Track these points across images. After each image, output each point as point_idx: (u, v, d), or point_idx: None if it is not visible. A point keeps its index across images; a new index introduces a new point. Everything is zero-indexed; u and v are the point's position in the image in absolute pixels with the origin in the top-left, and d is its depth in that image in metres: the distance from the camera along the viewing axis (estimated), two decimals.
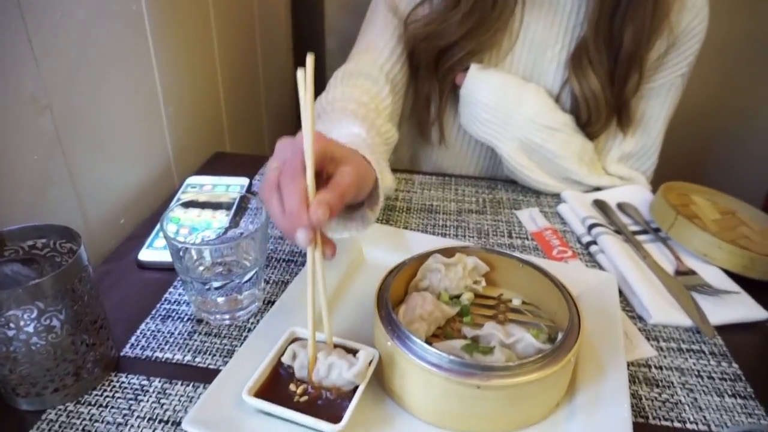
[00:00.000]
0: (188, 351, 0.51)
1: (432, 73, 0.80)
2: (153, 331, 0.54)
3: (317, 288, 0.44)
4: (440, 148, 0.89)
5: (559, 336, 0.45)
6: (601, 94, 0.76)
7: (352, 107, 0.68)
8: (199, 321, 0.55)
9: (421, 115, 0.86)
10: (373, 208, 0.52)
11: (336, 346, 0.46)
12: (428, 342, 0.43)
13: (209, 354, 0.51)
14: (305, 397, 0.43)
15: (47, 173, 0.58)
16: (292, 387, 0.44)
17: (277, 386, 0.44)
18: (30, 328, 0.41)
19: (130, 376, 0.48)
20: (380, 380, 0.46)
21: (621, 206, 0.76)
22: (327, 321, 0.45)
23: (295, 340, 0.47)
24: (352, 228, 0.53)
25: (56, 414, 0.45)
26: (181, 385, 0.48)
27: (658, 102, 0.81)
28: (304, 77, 0.40)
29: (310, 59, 0.40)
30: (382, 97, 0.75)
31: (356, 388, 0.43)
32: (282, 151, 0.46)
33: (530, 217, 0.75)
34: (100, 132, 0.66)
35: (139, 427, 0.44)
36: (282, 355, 0.45)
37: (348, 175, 0.45)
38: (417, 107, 0.86)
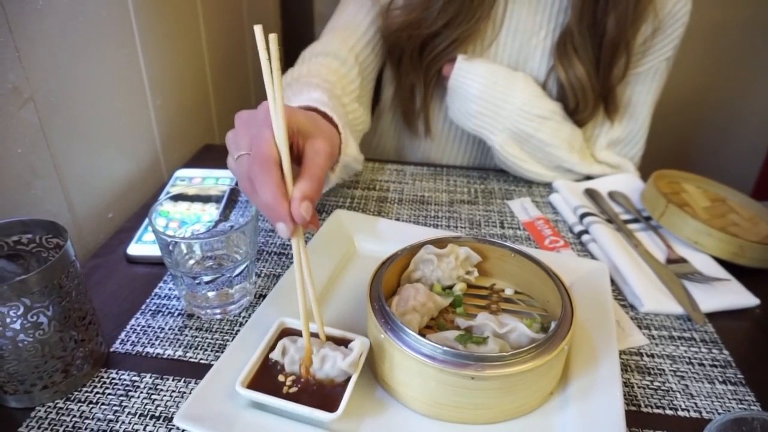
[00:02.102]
0: (179, 346, 0.51)
1: (417, 63, 0.79)
2: (143, 326, 0.53)
3: (305, 280, 0.43)
4: (426, 139, 0.88)
5: (552, 325, 0.45)
6: (587, 81, 0.76)
7: (316, 81, 0.66)
8: (190, 316, 0.54)
9: (405, 105, 0.85)
10: (333, 168, 0.51)
11: (327, 337, 0.46)
12: (421, 333, 0.43)
13: (200, 349, 0.51)
14: (294, 388, 0.42)
15: (32, 166, 0.57)
16: (281, 378, 0.43)
17: (266, 378, 0.43)
18: (16, 325, 0.40)
19: (120, 372, 0.48)
20: (373, 372, 0.46)
21: (612, 195, 0.76)
22: (317, 313, 0.45)
23: (284, 330, 0.47)
24: None
25: (45, 411, 0.44)
26: (173, 380, 0.47)
27: (644, 87, 0.80)
28: (267, 56, 0.38)
29: (261, 33, 0.38)
30: (350, 78, 0.74)
31: (349, 378, 0.42)
32: (246, 131, 0.44)
33: (522, 207, 0.75)
34: (85, 124, 0.65)
35: (130, 423, 0.43)
36: (272, 347, 0.45)
37: (322, 151, 0.43)
38: (401, 98, 0.85)
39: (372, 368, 0.46)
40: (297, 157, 0.44)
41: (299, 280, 0.43)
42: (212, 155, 0.88)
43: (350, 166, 0.66)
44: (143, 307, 0.55)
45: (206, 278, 0.52)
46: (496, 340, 0.45)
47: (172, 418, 0.44)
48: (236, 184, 0.72)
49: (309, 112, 0.49)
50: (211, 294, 0.53)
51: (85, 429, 0.43)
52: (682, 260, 0.64)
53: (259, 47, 0.38)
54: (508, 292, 0.54)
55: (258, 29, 0.38)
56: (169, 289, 0.57)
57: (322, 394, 0.42)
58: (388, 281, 0.50)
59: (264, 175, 0.40)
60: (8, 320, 0.40)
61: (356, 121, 0.74)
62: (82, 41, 0.62)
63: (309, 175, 0.42)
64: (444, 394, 0.42)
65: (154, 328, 0.53)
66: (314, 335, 0.45)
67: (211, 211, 0.62)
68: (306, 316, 0.44)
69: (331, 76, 0.70)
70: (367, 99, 0.82)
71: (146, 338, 0.52)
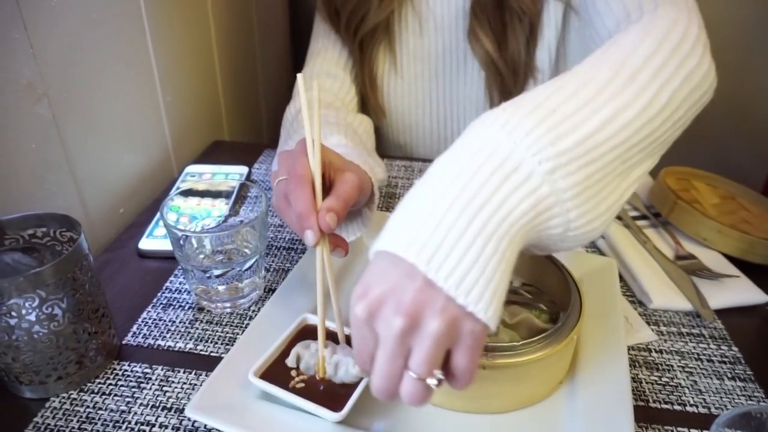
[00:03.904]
0: (190, 339, 0.51)
1: (345, 34, 0.78)
2: (154, 319, 0.54)
3: (328, 286, 0.45)
4: (391, 125, 0.87)
5: (561, 316, 0.45)
6: (497, 56, 0.74)
7: (322, 113, 0.67)
8: (200, 309, 0.55)
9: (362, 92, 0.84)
10: (371, 207, 0.54)
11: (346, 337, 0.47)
12: None
13: (211, 342, 0.51)
14: (303, 384, 0.43)
15: (45, 161, 0.58)
16: (293, 373, 0.44)
17: (279, 372, 0.44)
18: (32, 317, 0.41)
19: (132, 364, 0.49)
20: None
21: None
22: (338, 320, 0.46)
23: (305, 327, 0.48)
24: (354, 230, 0.55)
25: (60, 402, 0.45)
26: (184, 372, 0.48)
27: None
28: (308, 97, 0.44)
29: (303, 80, 0.45)
30: (345, 91, 0.77)
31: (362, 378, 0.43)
32: (285, 163, 0.48)
33: None
34: (97, 120, 0.65)
35: (142, 414, 0.44)
36: (291, 341, 0.46)
37: (350, 182, 0.47)
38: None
39: None
40: (328, 189, 0.47)
41: (320, 288, 0.45)
42: (221, 151, 0.89)
43: (383, 181, 0.67)
44: (154, 300, 0.56)
45: (216, 272, 0.52)
46: (506, 331, 0.46)
47: (183, 409, 0.44)
48: (246, 179, 0.73)
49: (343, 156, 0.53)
50: (221, 288, 0.53)
51: (98, 420, 0.43)
52: (691, 257, 0.64)
53: (301, 91, 0.45)
54: (516, 284, 0.55)
55: (300, 78, 0.45)
56: (180, 283, 0.58)
57: (332, 391, 0.43)
58: None
59: (298, 190, 0.45)
60: (24, 312, 0.41)
61: (366, 128, 0.75)
62: (94, 38, 0.63)
63: (336, 195, 0.46)
64: None
65: (165, 321, 0.53)
66: (332, 332, 0.47)
67: (221, 207, 0.63)
68: (323, 324, 0.45)
69: (329, 98, 0.74)
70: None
71: (158, 331, 0.52)
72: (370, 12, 0.75)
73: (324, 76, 0.77)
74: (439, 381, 0.34)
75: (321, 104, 0.68)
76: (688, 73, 0.44)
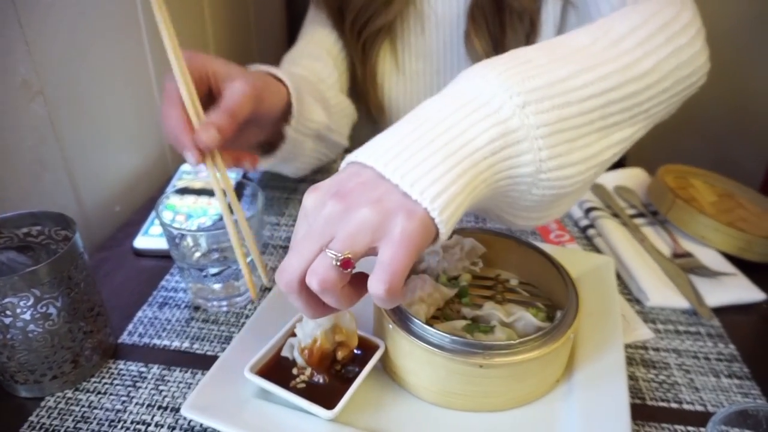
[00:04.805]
0: (186, 338, 0.51)
1: (349, 34, 0.78)
2: (150, 318, 0.53)
3: (238, 220, 0.44)
4: (391, 122, 0.87)
5: (558, 314, 0.45)
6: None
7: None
8: (196, 308, 0.55)
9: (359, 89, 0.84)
10: (289, 121, 0.52)
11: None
12: (429, 323, 0.43)
13: (207, 341, 0.51)
14: (302, 383, 0.43)
15: (41, 159, 0.58)
16: (294, 371, 0.44)
17: (277, 369, 0.44)
18: (27, 316, 0.41)
19: (128, 363, 0.48)
20: (382, 362, 0.47)
21: (618, 189, 0.76)
22: (259, 261, 0.45)
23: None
24: (278, 155, 0.54)
25: (55, 401, 0.45)
26: (180, 371, 0.48)
27: None
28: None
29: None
30: (328, 72, 0.76)
31: (356, 374, 0.43)
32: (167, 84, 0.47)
33: None
34: (93, 118, 0.65)
35: (138, 413, 0.44)
36: (288, 338, 0.46)
37: (238, 91, 0.45)
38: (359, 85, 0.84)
39: (382, 359, 0.47)
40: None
41: (225, 211, 0.44)
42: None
43: (326, 137, 0.65)
44: (150, 299, 0.56)
45: (212, 271, 0.52)
46: (503, 329, 0.46)
47: (179, 408, 0.44)
48: (243, 177, 0.73)
49: (238, 66, 0.51)
50: (217, 286, 0.53)
51: (94, 419, 0.43)
52: (689, 255, 0.64)
53: (154, 8, 0.42)
54: (513, 282, 0.55)
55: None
56: (176, 282, 0.58)
57: (330, 390, 0.42)
58: None
59: (166, 111, 0.44)
60: (19, 310, 0.40)
61: (341, 106, 0.74)
62: (90, 35, 0.63)
63: (219, 108, 0.44)
64: (452, 383, 0.42)
65: (161, 320, 0.53)
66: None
67: (217, 205, 0.63)
68: (239, 244, 0.44)
69: (311, 77, 0.73)
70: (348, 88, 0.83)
71: (153, 330, 0.52)
72: (377, 14, 0.75)
73: (306, 58, 0.76)
74: (346, 262, 0.32)
75: (302, 81, 0.67)
76: (677, 48, 0.44)
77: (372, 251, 0.34)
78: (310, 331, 0.43)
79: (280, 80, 0.55)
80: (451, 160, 0.34)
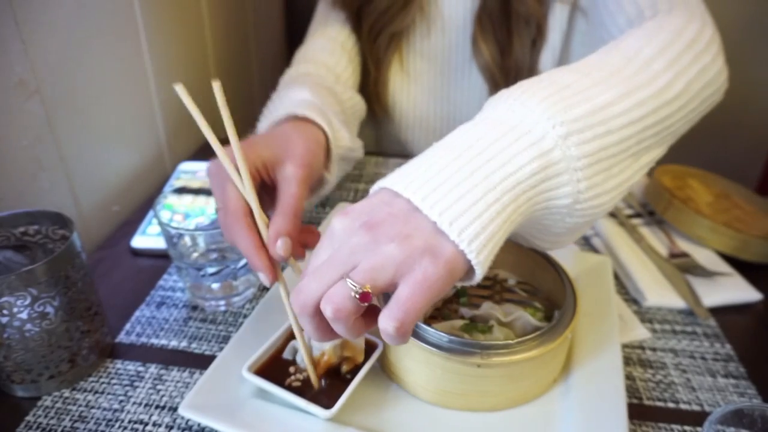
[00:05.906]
0: (183, 337, 0.51)
1: (360, 31, 0.78)
2: (148, 317, 0.53)
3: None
4: (392, 122, 0.87)
5: (556, 314, 0.45)
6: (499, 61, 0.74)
7: (304, 79, 0.67)
8: (194, 307, 0.55)
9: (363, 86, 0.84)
10: (329, 168, 0.50)
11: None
12: (427, 323, 0.43)
13: (205, 340, 0.51)
14: (299, 382, 0.43)
15: (38, 159, 0.57)
16: (291, 369, 0.44)
17: (275, 368, 0.44)
18: (24, 315, 0.41)
19: (125, 363, 0.48)
20: (380, 361, 0.47)
21: None
22: (304, 350, 0.44)
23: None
24: (313, 196, 0.52)
25: (52, 400, 0.45)
26: (177, 371, 0.48)
27: None
28: (223, 102, 0.40)
29: (216, 86, 0.39)
30: (342, 66, 0.75)
31: (356, 371, 0.43)
32: (214, 183, 0.45)
33: None
34: (91, 117, 0.65)
35: (135, 412, 0.44)
36: (287, 339, 0.46)
37: (293, 179, 0.43)
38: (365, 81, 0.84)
39: (380, 359, 0.47)
40: (272, 191, 0.44)
41: (294, 322, 0.42)
42: None
43: (348, 157, 0.66)
44: (148, 298, 0.56)
45: (210, 270, 0.52)
46: (501, 329, 0.46)
47: (176, 407, 0.44)
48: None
49: (276, 131, 0.49)
50: (215, 286, 0.53)
51: (91, 418, 0.43)
52: (685, 255, 0.64)
53: (220, 104, 0.39)
54: (511, 282, 0.55)
55: (216, 86, 0.39)
56: (174, 281, 0.58)
57: (328, 390, 0.42)
58: None
59: (235, 229, 0.41)
60: (15, 310, 0.40)
61: (355, 108, 0.74)
62: (87, 34, 0.62)
63: (281, 210, 0.42)
64: (450, 382, 0.42)
65: (158, 319, 0.53)
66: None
67: (215, 204, 0.63)
68: (310, 356, 0.43)
69: (321, 70, 0.71)
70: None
71: (151, 329, 0.52)
72: (393, 19, 0.75)
73: (319, 52, 0.75)
74: (365, 295, 0.32)
75: (311, 76, 0.66)
76: (703, 68, 0.44)
77: (392, 287, 0.33)
78: (320, 345, 0.43)
79: (313, 122, 0.52)
80: (491, 196, 0.33)
